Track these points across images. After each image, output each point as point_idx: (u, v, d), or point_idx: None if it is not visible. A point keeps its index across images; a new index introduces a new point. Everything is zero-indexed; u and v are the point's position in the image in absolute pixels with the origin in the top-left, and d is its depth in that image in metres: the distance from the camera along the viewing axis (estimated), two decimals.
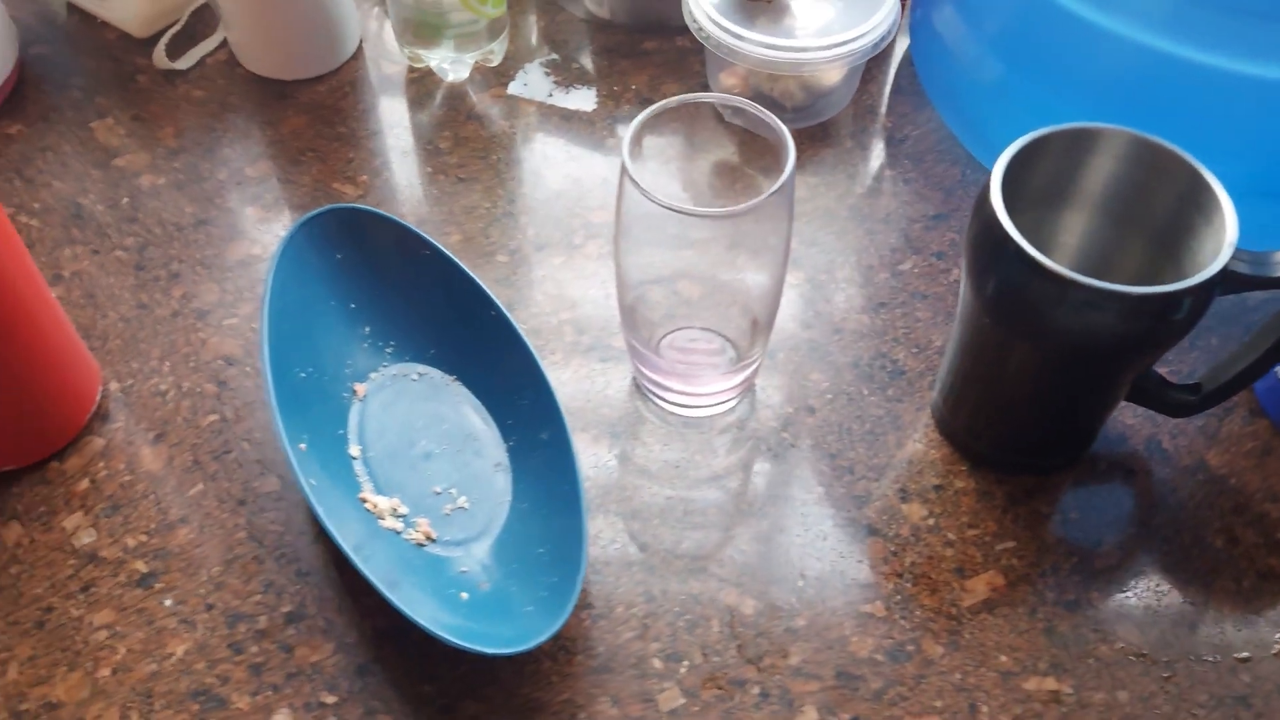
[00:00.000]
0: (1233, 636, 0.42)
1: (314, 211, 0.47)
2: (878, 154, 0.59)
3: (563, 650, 0.41)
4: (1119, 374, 0.41)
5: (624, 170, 0.41)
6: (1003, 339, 0.41)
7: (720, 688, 0.41)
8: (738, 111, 0.44)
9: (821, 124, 0.60)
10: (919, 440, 0.48)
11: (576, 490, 0.42)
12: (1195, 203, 0.39)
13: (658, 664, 0.41)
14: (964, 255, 0.41)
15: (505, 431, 0.46)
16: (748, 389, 0.49)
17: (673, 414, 0.49)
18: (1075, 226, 0.43)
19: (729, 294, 0.47)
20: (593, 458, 0.47)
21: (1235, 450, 0.47)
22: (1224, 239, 0.37)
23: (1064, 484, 0.46)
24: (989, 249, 0.39)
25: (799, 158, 0.59)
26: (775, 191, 0.40)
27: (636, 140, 0.42)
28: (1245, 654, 0.41)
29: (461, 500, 0.44)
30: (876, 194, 0.57)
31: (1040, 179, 0.41)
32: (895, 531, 0.45)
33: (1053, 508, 0.46)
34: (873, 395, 0.49)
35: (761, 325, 0.47)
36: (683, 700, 0.40)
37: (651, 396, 0.49)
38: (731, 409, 0.49)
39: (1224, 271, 0.37)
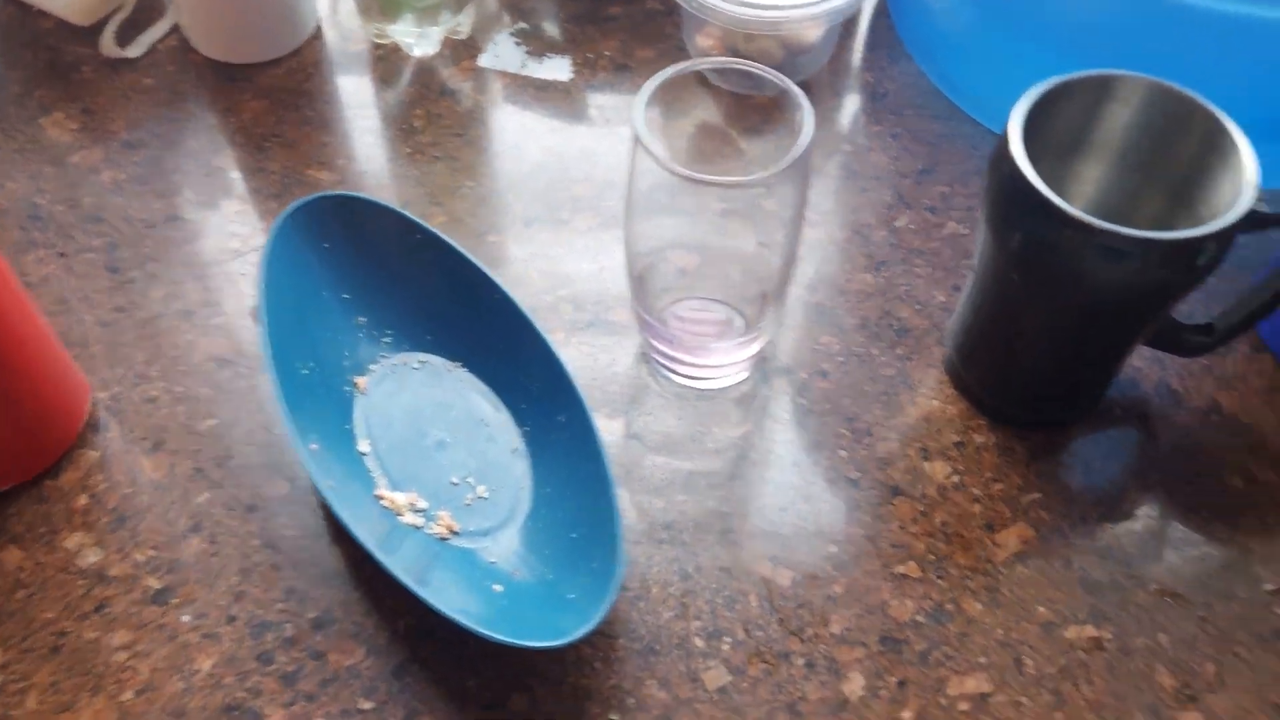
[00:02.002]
0: (1261, 571, 0.42)
1: (299, 201, 0.45)
2: (861, 110, 0.59)
3: (603, 635, 0.40)
4: (1144, 321, 0.41)
5: (637, 141, 0.39)
6: (1028, 293, 0.41)
7: (766, 662, 0.40)
8: (725, 74, 0.43)
9: (802, 82, 0.59)
10: (934, 398, 0.47)
11: (603, 471, 0.40)
12: (1214, 148, 0.39)
13: (700, 642, 0.40)
14: (984, 210, 0.40)
15: (519, 416, 0.45)
16: (760, 356, 0.48)
17: (685, 386, 0.48)
18: (1091, 176, 0.42)
19: (738, 263, 0.46)
20: (606, 435, 0.46)
21: (1244, 388, 0.48)
22: (1245, 181, 0.37)
23: (1082, 433, 0.46)
24: (1012, 202, 0.38)
25: (782, 118, 0.58)
26: (796, 158, 0.39)
27: (646, 109, 0.40)
28: (1275, 587, 0.42)
29: (481, 489, 0.43)
30: (864, 151, 0.57)
31: (1057, 128, 0.40)
32: (922, 491, 0.44)
33: (1074, 457, 0.46)
34: (883, 355, 0.49)
35: (772, 296, 0.46)
36: (730, 677, 0.40)
37: (662, 369, 0.48)
38: (746, 378, 0.48)
39: (1249, 213, 0.37)
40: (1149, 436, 0.46)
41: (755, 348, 0.47)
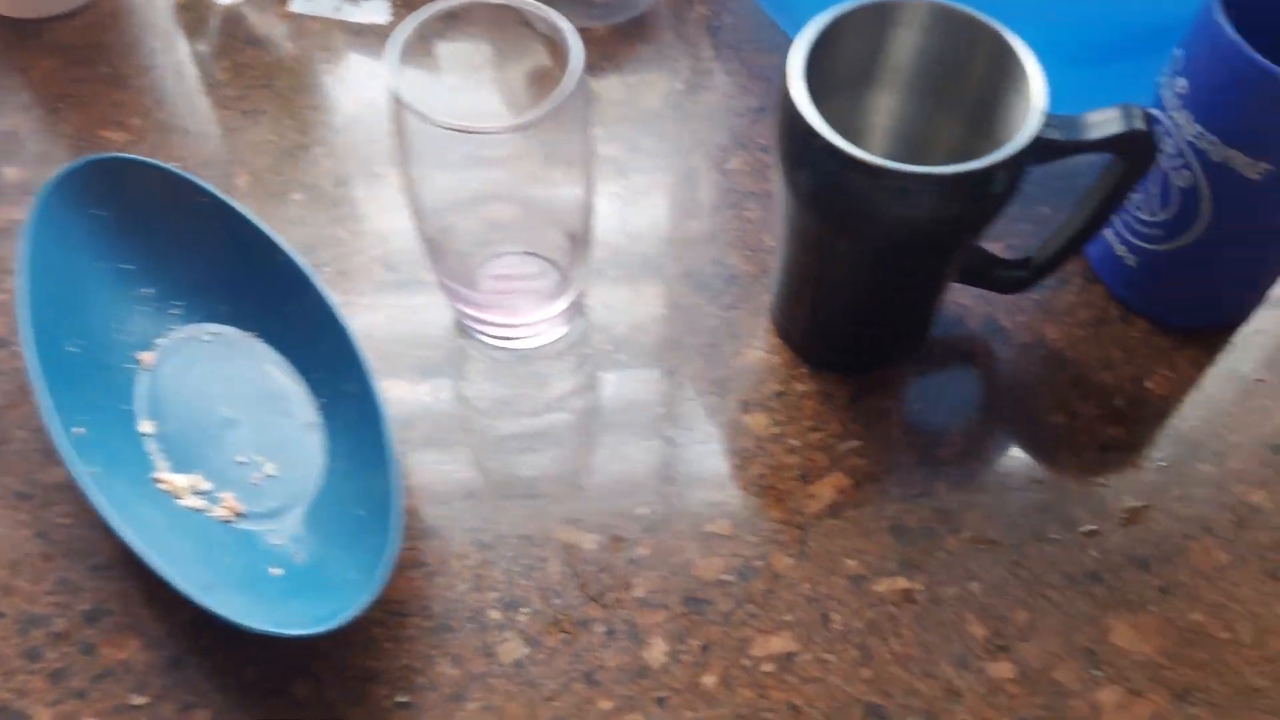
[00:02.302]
0: (1078, 512, 0.41)
1: (67, 167, 0.42)
2: (698, 46, 0.56)
3: (395, 614, 0.39)
4: (946, 257, 0.39)
5: (392, 91, 0.37)
6: (825, 235, 0.39)
7: (564, 631, 0.39)
8: (518, 10, 0.41)
9: (637, 18, 0.57)
10: (758, 347, 0.46)
11: (385, 443, 0.38)
12: (1004, 71, 0.37)
13: (496, 615, 0.39)
14: (775, 151, 0.38)
15: (315, 387, 0.43)
16: (577, 311, 0.46)
17: (499, 347, 0.45)
18: (888, 107, 0.40)
19: (540, 211, 0.44)
20: (414, 404, 0.44)
21: (1072, 321, 0.46)
22: (1032, 108, 0.35)
23: (905, 375, 0.45)
24: (797, 143, 0.36)
25: (615, 57, 0.56)
26: (562, 96, 0.37)
27: (410, 52, 0.38)
28: (1092, 527, 0.41)
29: (269, 467, 0.41)
30: (698, 89, 0.54)
31: (845, 60, 0.38)
32: (739, 445, 0.43)
33: (895, 401, 0.44)
34: (709, 305, 0.47)
35: (580, 240, 0.44)
36: (526, 649, 0.38)
37: (475, 333, 0.46)
38: (563, 335, 0.46)
39: (1035, 141, 0.35)
40: (972, 376, 0.45)
41: (567, 300, 0.45)
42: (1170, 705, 0.37)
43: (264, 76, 0.53)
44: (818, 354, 0.45)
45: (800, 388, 0.45)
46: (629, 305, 0.47)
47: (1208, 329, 0.46)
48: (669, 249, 0.48)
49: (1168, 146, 0.41)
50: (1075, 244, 0.41)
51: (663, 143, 0.52)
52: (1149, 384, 0.45)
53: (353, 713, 0.37)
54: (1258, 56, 0.36)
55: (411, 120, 0.37)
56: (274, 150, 0.51)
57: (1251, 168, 0.38)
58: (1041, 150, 0.36)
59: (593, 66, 0.55)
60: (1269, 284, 0.45)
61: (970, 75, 0.38)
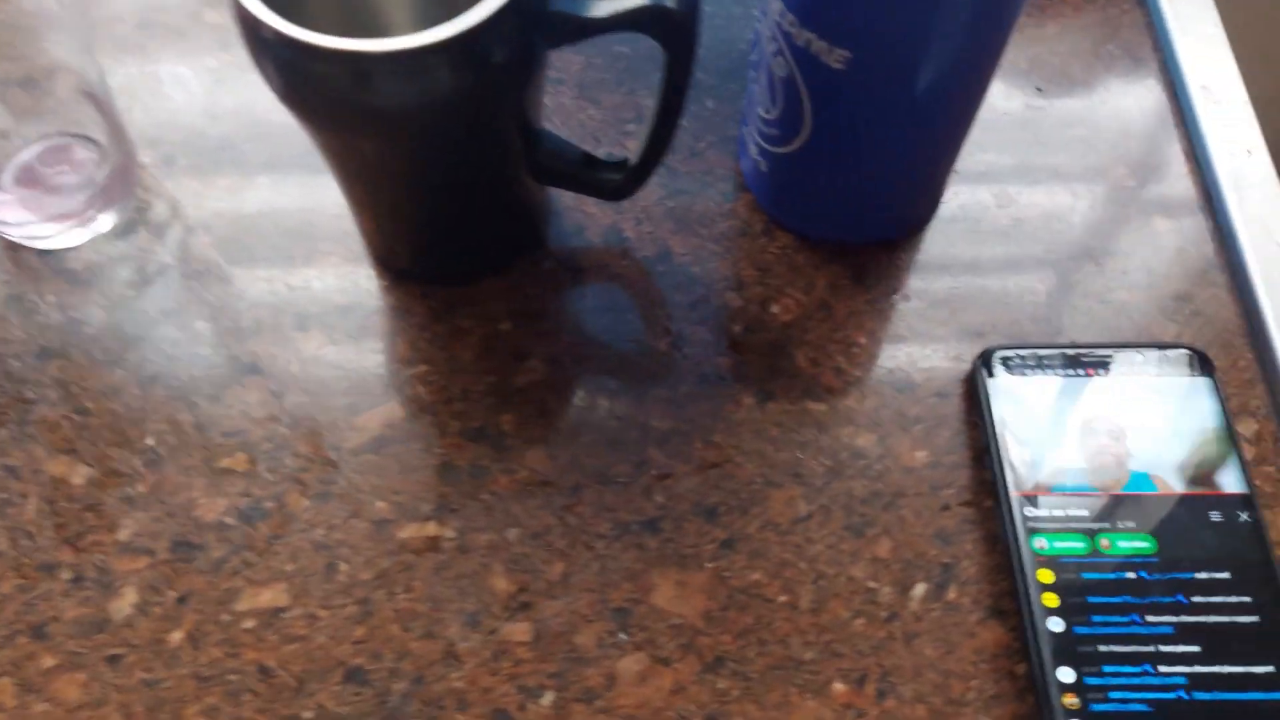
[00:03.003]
0: (654, 453, 0.36)
1: None
2: None
3: None
4: (476, 148, 0.33)
5: None
6: (321, 133, 0.33)
7: (24, 577, 0.33)
8: None
9: None
10: (337, 253, 0.40)
11: None
12: None
13: None
14: None
15: None
16: (118, 204, 0.40)
17: (26, 247, 0.39)
18: None
19: (49, 85, 0.37)
20: None
21: (708, 234, 0.41)
22: None
23: (499, 291, 0.39)
24: (247, 31, 0.30)
25: None
26: None
27: None
28: (664, 471, 0.36)
29: None
30: None
31: None
32: (281, 368, 0.37)
33: (478, 321, 0.39)
34: (289, 203, 0.41)
35: (107, 111, 0.37)
36: None
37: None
38: (104, 233, 0.40)
39: (512, 11, 0.29)
40: (579, 293, 0.39)
41: (98, 190, 0.39)
42: (695, 677, 0.33)
43: None
44: (397, 264, 0.39)
45: (373, 302, 0.39)
46: (196, 199, 0.41)
47: (861, 246, 0.40)
48: (255, 133, 0.42)
49: (765, 29, 0.35)
50: (657, 145, 0.35)
51: None
52: (775, 308, 0.39)
53: None
54: None
55: None
56: None
57: (830, 54, 0.32)
58: (537, 23, 0.29)
59: None
60: (911, 193, 0.39)
61: None
